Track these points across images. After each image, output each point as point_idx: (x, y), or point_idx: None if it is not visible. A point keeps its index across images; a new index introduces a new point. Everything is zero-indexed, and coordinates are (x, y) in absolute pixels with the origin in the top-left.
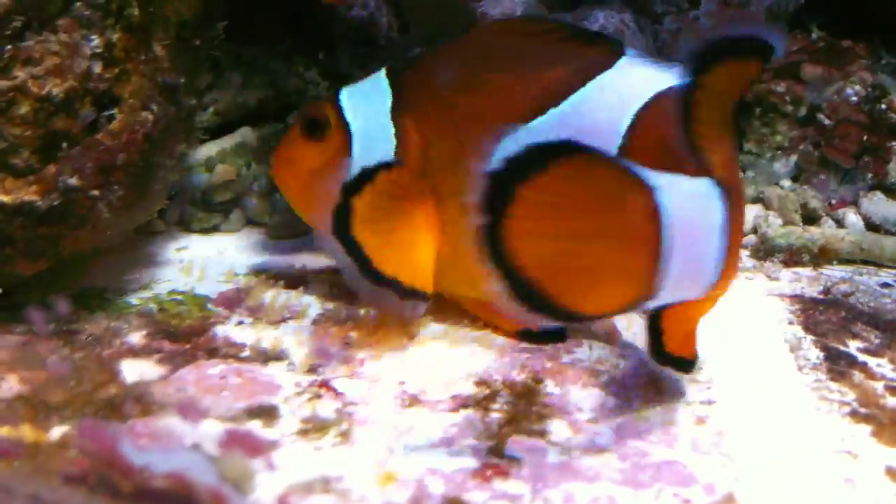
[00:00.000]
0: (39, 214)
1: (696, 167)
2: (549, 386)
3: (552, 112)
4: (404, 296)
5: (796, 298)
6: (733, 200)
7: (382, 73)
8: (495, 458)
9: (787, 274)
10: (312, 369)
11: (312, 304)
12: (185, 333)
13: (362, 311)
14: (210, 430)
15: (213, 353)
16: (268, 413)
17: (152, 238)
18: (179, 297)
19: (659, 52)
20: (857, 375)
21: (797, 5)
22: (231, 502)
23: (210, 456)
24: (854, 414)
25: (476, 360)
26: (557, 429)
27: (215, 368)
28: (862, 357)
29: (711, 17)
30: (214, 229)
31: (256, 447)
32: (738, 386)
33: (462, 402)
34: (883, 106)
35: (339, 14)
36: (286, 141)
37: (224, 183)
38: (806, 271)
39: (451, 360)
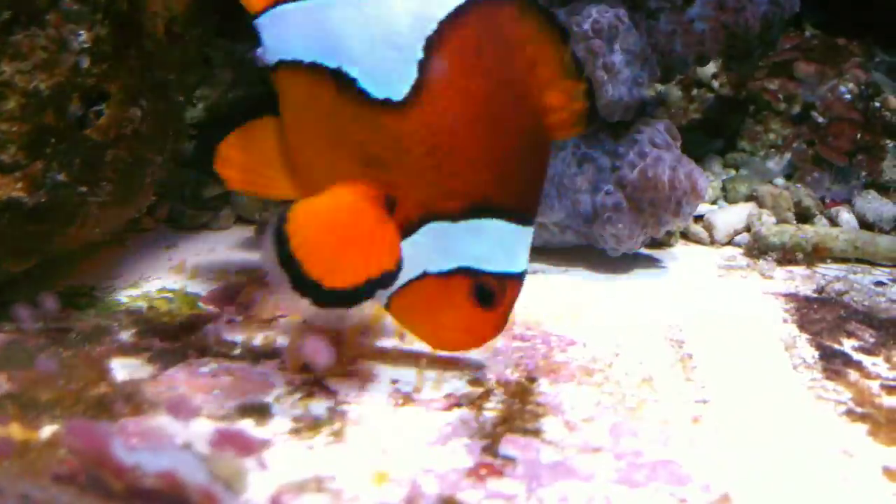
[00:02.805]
0: (27, 211)
1: None
2: (544, 385)
3: None
4: None
5: (791, 297)
6: None
7: None
8: (489, 458)
9: (781, 272)
10: (305, 367)
11: (304, 302)
12: (176, 331)
13: (354, 309)
14: (201, 429)
15: (203, 351)
16: (260, 412)
17: (142, 235)
18: (169, 294)
19: (653, 49)
20: (853, 374)
21: (792, 12)
22: (223, 502)
23: (201, 455)
24: (850, 413)
25: (469, 359)
26: (552, 427)
27: (206, 367)
28: (857, 356)
29: (707, 21)
30: (204, 226)
31: (248, 446)
32: (733, 385)
33: (456, 401)
34: (877, 104)
35: None
36: None
37: (214, 180)
38: (800, 270)
39: (445, 359)
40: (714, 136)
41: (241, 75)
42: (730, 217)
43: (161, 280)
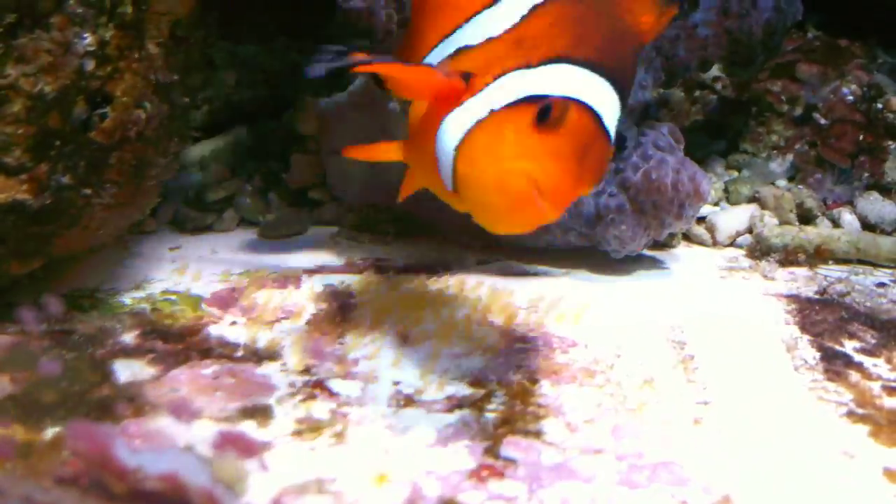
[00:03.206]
0: (31, 213)
1: None
2: (545, 386)
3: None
4: None
5: (792, 298)
6: None
7: None
8: (491, 459)
9: (783, 274)
10: (307, 369)
11: (306, 304)
12: (179, 333)
13: (356, 311)
14: (203, 431)
15: (206, 353)
16: (262, 413)
17: (145, 237)
18: (173, 296)
19: (657, 53)
20: (854, 375)
21: (795, 20)
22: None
23: (203, 457)
24: (851, 414)
25: (471, 360)
26: (553, 429)
27: (209, 369)
28: (858, 357)
29: (711, 27)
30: (208, 228)
31: (250, 448)
32: (735, 386)
33: (457, 403)
34: (879, 105)
35: (336, 6)
36: None
37: (217, 182)
38: (802, 271)
39: (446, 360)
40: (716, 137)
41: (244, 77)
42: (732, 218)
43: (164, 282)
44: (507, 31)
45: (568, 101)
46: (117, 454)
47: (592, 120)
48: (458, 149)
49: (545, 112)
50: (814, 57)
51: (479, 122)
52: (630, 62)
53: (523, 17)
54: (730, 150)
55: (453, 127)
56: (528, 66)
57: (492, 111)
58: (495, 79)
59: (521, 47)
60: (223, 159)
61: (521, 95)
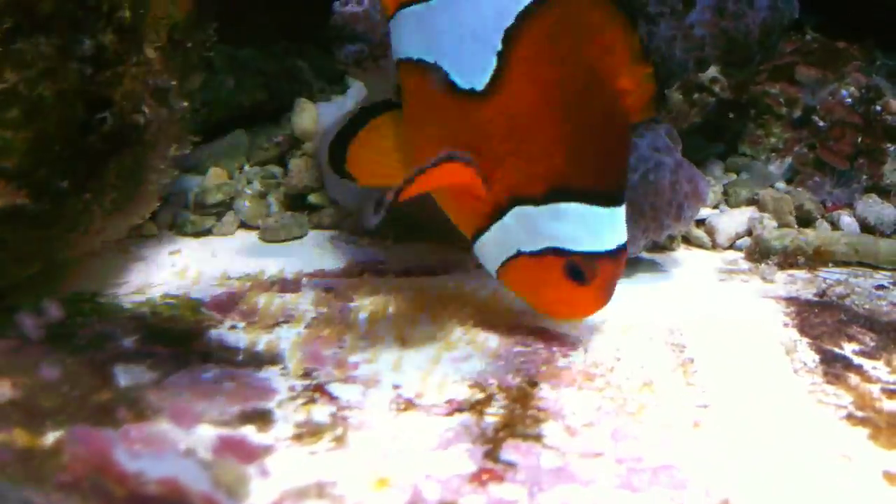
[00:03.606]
0: (30, 218)
1: None
2: (545, 389)
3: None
4: None
5: (791, 301)
6: None
7: None
8: (491, 463)
9: (782, 276)
10: (307, 373)
11: (307, 308)
12: (179, 337)
13: (356, 315)
14: (203, 436)
15: (206, 357)
16: (262, 418)
17: (145, 241)
18: (172, 300)
19: (654, 54)
20: (853, 378)
21: (792, 19)
22: None
23: (203, 461)
24: (850, 417)
25: (471, 364)
26: (553, 433)
27: (209, 373)
28: (858, 360)
29: (707, 27)
30: (207, 232)
31: (250, 452)
32: (734, 389)
33: (457, 406)
34: (878, 107)
35: (333, 9)
36: None
37: (217, 185)
38: (801, 273)
39: (446, 364)
40: (715, 139)
41: (243, 80)
42: (731, 221)
43: (164, 286)
44: (494, 92)
45: (591, 258)
46: (117, 458)
47: (617, 260)
48: (499, 274)
49: (576, 272)
50: (812, 59)
51: (512, 261)
52: (623, 148)
53: (501, 55)
54: (728, 152)
55: (487, 252)
56: (536, 203)
57: (520, 252)
58: (507, 204)
59: (518, 156)
60: (222, 163)
61: (543, 246)
